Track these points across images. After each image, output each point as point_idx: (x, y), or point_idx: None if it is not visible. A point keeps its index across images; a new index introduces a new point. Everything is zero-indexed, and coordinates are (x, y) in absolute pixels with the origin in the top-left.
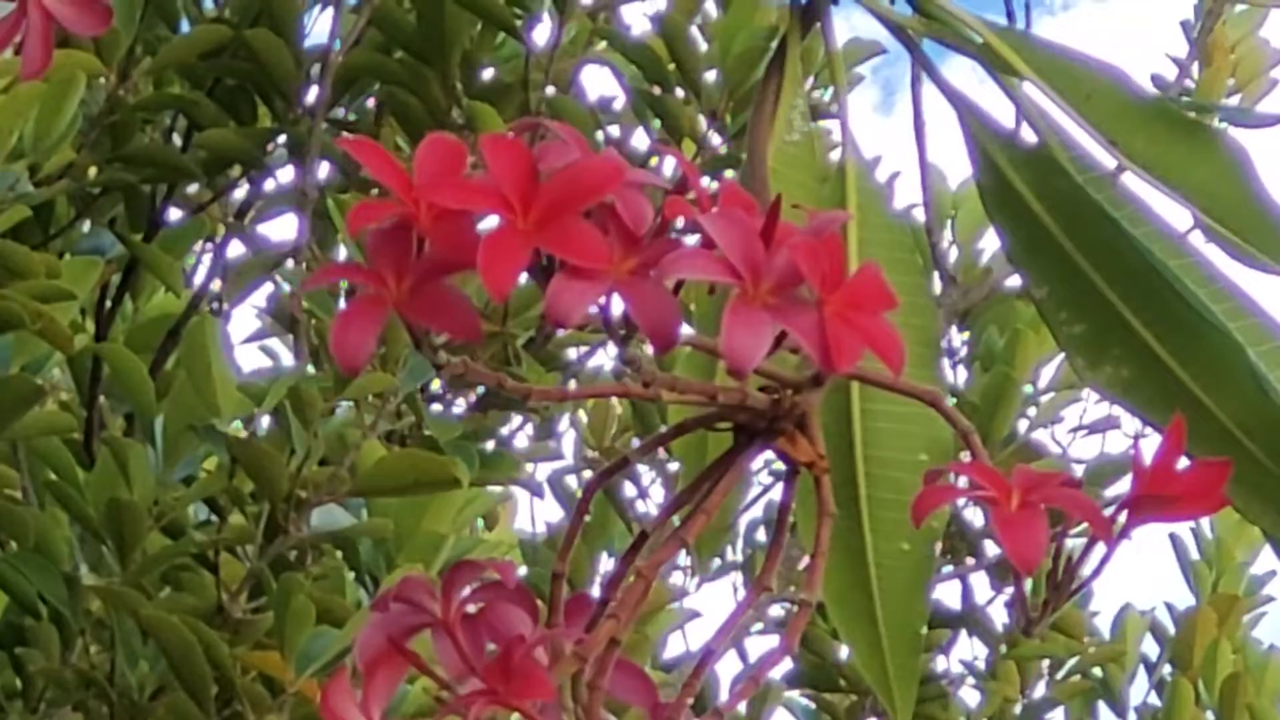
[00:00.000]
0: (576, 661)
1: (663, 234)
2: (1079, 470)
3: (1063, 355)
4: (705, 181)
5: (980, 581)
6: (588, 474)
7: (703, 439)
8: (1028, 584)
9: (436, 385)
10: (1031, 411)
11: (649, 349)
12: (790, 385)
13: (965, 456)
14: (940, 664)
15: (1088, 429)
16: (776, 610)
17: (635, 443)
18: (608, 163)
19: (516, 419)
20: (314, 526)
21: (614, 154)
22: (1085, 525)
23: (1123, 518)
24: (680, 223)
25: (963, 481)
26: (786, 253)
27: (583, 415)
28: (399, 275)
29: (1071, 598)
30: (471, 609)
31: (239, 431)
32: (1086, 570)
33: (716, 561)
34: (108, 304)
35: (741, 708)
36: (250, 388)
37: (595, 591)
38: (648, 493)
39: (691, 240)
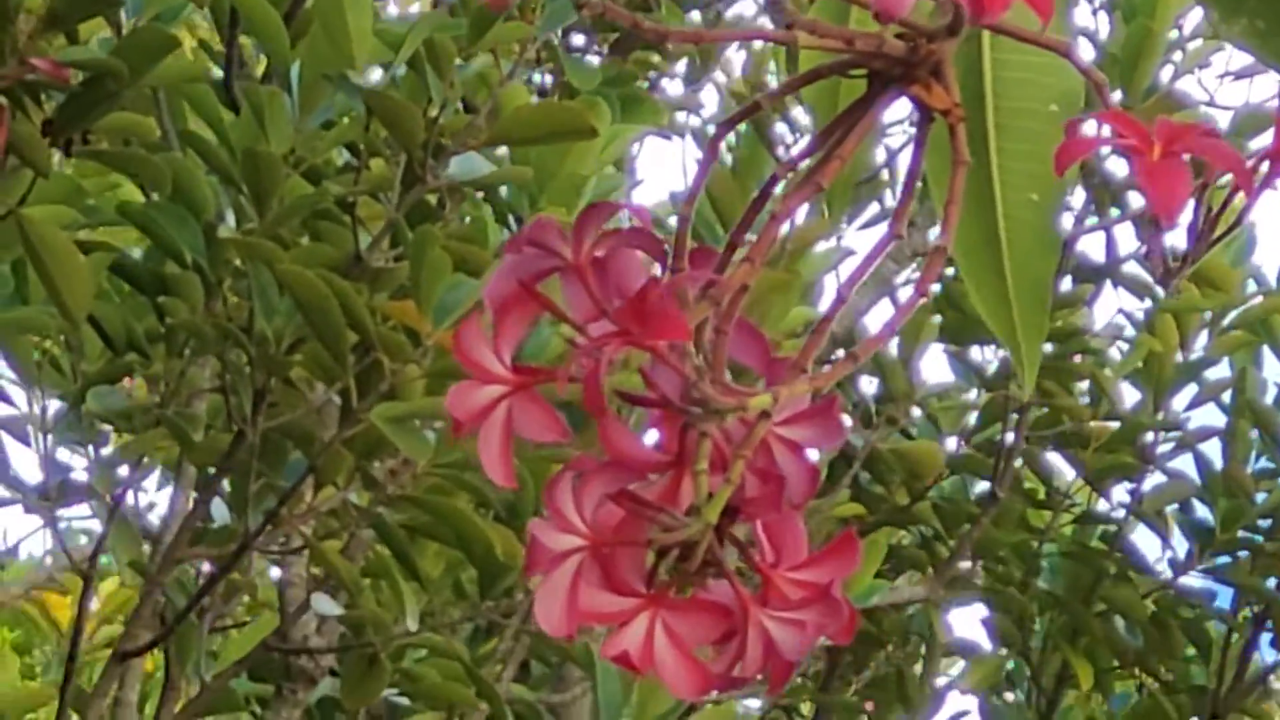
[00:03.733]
0: (709, 305)
1: None
2: (1225, 120)
3: None
4: None
5: (1125, 233)
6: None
7: (835, 86)
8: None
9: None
10: (1176, 57)
11: None
12: (926, 33)
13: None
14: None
15: (1234, 75)
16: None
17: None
18: None
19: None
20: (452, 174)
21: None
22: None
23: (1265, 168)
24: None
25: (1101, 130)
26: None
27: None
28: None
29: (1210, 249)
30: (602, 253)
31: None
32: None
33: (876, 207)
34: None
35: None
36: (387, 34)
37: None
38: (802, 134)
39: None
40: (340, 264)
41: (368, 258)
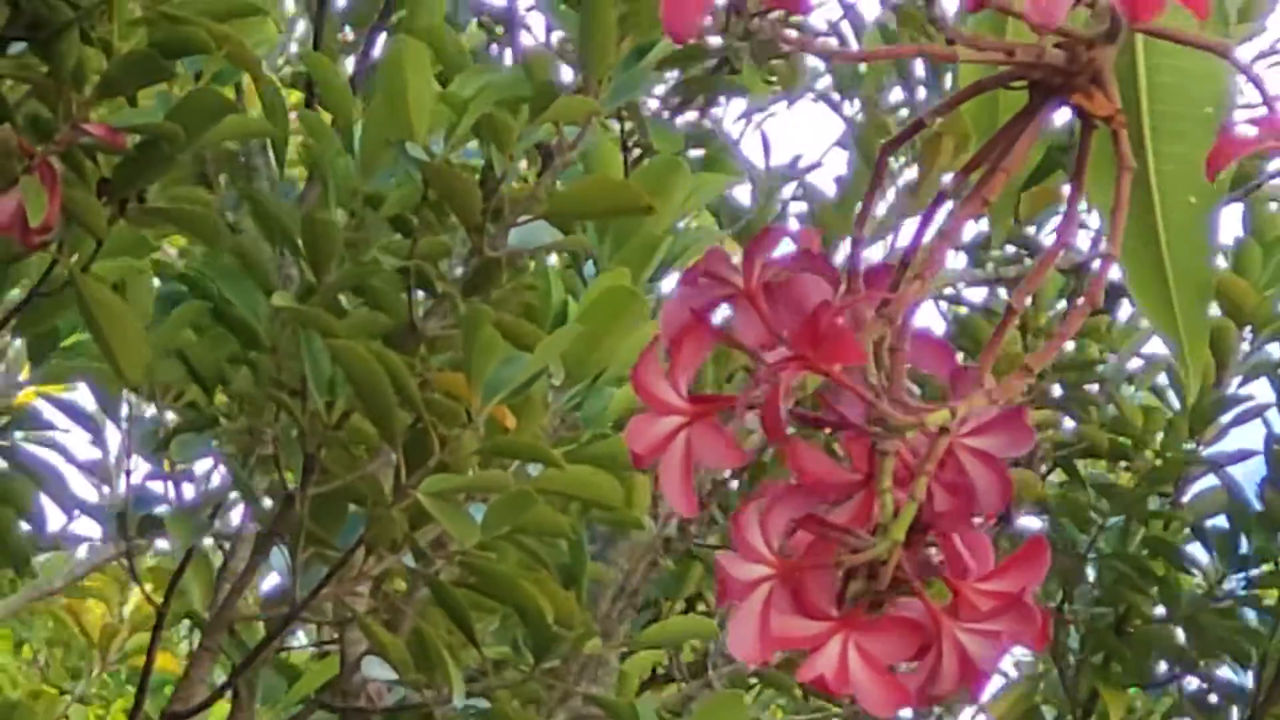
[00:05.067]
0: (882, 325)
1: None
2: None
3: None
4: None
5: None
6: None
7: (994, 100)
8: None
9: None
10: None
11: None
12: (1084, 41)
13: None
14: None
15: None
16: None
17: None
18: None
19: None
20: (513, 244)
21: None
22: None
23: None
24: None
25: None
26: None
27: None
28: None
29: None
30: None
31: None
32: None
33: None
34: None
35: None
36: (452, 97)
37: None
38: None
39: None
40: (395, 331)
41: (422, 327)
